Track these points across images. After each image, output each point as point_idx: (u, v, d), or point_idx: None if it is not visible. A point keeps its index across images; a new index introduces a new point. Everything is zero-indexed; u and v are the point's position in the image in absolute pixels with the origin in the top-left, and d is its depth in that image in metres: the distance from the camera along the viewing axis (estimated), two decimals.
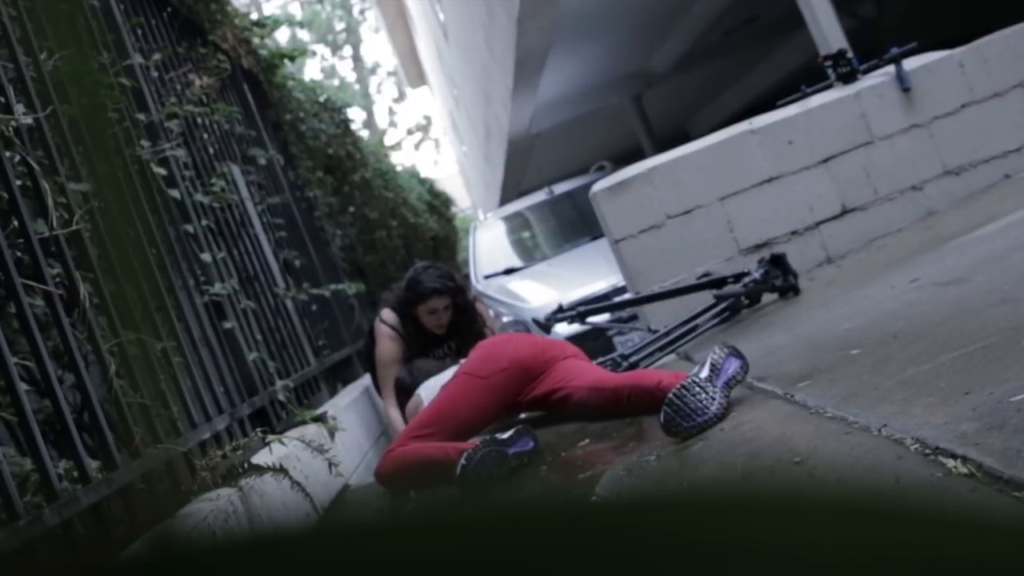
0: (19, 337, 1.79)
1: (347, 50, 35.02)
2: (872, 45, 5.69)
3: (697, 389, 2.19)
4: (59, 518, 1.60)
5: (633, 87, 11.43)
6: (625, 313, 4.73)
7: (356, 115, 32.18)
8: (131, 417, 1.98)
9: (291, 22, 7.20)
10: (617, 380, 2.73)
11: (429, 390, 3.21)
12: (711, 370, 2.28)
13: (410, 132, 37.17)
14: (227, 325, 2.94)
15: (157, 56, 3.18)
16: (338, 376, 4.32)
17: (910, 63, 4.45)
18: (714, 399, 2.18)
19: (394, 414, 3.64)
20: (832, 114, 4.34)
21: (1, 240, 1.72)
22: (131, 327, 2.11)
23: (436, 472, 2.52)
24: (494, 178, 15.40)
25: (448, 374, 3.22)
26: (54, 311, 1.83)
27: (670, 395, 2.19)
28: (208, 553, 0.35)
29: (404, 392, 3.44)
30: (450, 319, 3.69)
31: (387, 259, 6.91)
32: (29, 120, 1.99)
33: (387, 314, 3.79)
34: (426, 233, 9.94)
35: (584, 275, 5.80)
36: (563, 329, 5.14)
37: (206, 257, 2.94)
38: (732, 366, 2.33)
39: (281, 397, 3.16)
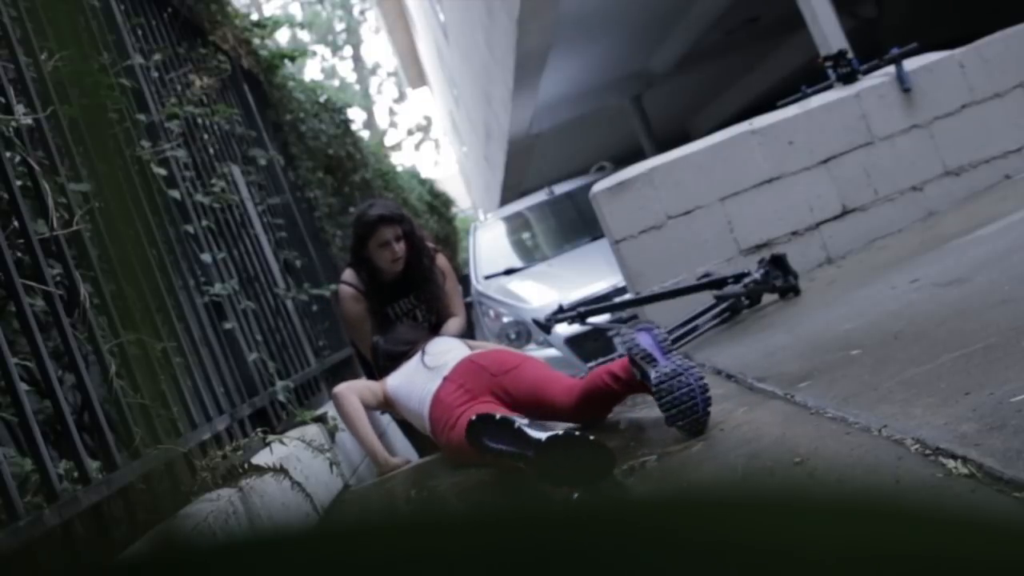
0: (19, 337, 1.79)
1: (347, 50, 35.04)
2: (872, 45, 5.69)
3: (667, 382, 2.16)
4: (59, 518, 1.60)
5: (633, 87, 11.43)
6: (625, 313, 4.73)
7: (356, 115, 32.19)
8: (131, 417, 1.98)
9: (291, 23, 7.21)
10: (581, 386, 2.61)
11: (397, 388, 3.06)
12: (644, 358, 2.25)
13: (410, 132, 37.19)
14: (227, 325, 2.94)
15: (157, 56, 3.18)
16: (338, 376, 4.32)
17: (910, 63, 4.45)
18: (681, 370, 2.16)
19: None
20: (832, 115, 4.34)
21: (1, 240, 1.72)
22: (131, 327, 2.11)
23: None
24: (494, 178, 15.39)
25: (414, 376, 3.03)
26: (54, 311, 1.83)
27: (666, 414, 2.16)
28: (208, 553, 0.35)
29: (377, 356, 3.33)
30: (405, 255, 3.54)
31: None
32: (29, 120, 1.99)
33: (346, 274, 3.69)
34: None
35: (584, 275, 5.81)
36: (563, 329, 5.14)
37: (206, 257, 2.94)
38: (647, 338, 2.29)
39: (281, 398, 3.17)
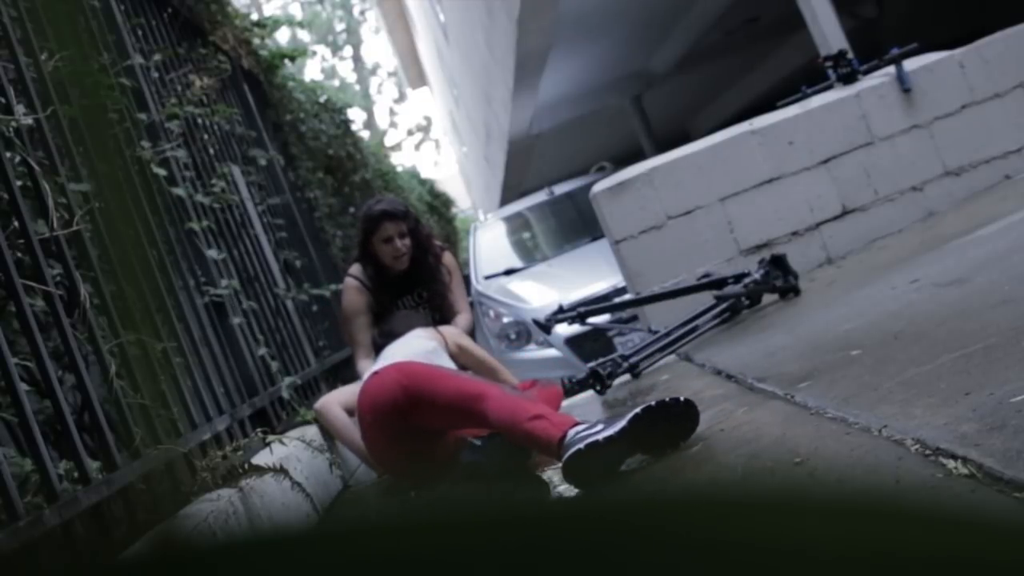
0: (19, 337, 1.79)
1: (347, 51, 35.05)
2: (872, 45, 5.69)
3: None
4: (59, 519, 1.60)
5: (633, 87, 11.42)
6: (625, 314, 4.74)
7: (356, 116, 32.20)
8: (131, 418, 1.98)
9: (291, 23, 7.20)
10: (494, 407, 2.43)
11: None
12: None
13: (410, 133, 37.19)
14: (228, 326, 2.94)
15: (157, 57, 3.18)
16: (338, 376, 4.32)
17: (910, 64, 4.45)
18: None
19: (365, 367, 3.37)
20: (832, 115, 4.34)
21: (1, 240, 1.72)
22: (131, 327, 2.11)
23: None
24: (494, 179, 15.39)
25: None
26: (54, 311, 1.83)
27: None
28: (208, 553, 0.35)
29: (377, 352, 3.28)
30: (410, 252, 3.52)
31: None
32: (30, 121, 1.99)
33: (354, 268, 3.66)
34: None
35: (584, 276, 5.81)
36: (563, 329, 5.14)
37: (212, 253, 2.94)
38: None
39: (285, 394, 3.17)
